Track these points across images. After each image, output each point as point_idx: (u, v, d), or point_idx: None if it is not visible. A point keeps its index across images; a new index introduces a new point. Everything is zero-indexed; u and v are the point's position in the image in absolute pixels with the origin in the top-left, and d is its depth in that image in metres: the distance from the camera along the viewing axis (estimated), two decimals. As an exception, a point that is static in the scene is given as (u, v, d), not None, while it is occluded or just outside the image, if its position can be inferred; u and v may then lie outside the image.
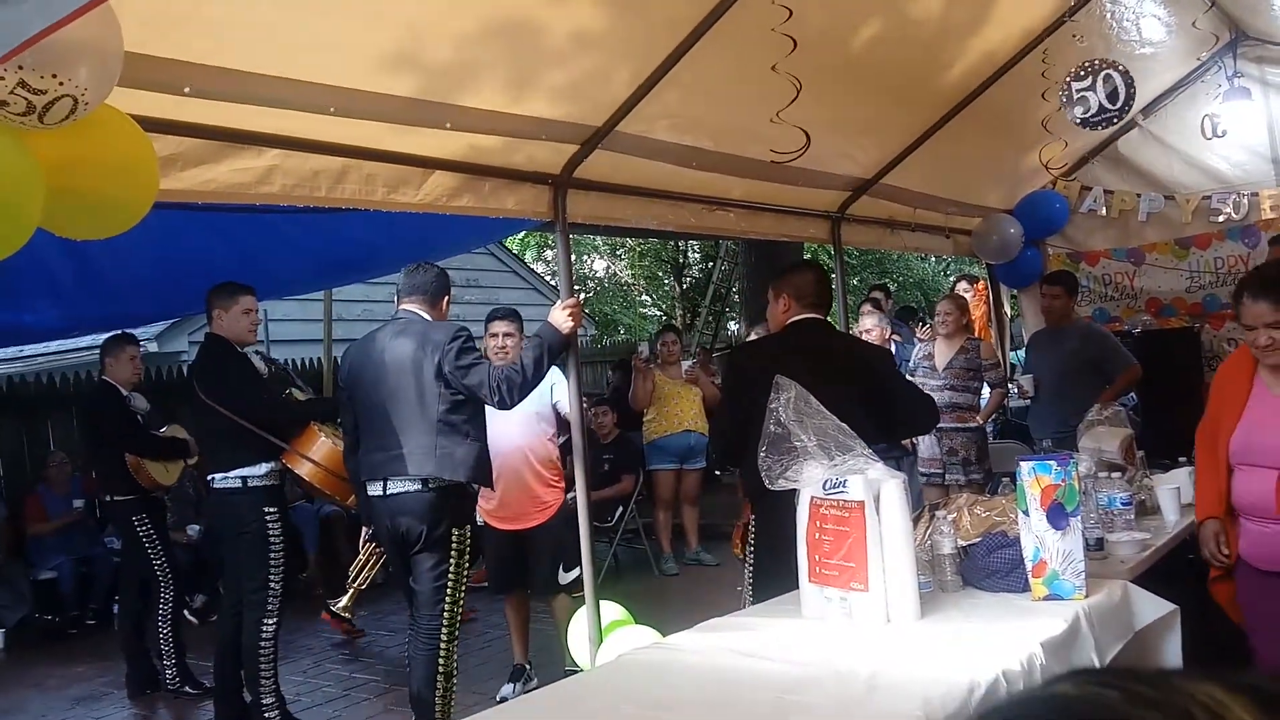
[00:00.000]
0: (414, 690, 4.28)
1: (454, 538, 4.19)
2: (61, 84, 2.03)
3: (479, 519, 5.44)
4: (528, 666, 5.45)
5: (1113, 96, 4.74)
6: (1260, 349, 3.06)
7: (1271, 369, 3.14)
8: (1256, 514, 3.18)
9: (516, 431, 5.18)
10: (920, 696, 2.17)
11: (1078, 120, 4.84)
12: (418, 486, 4.12)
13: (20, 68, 1.96)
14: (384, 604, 7.27)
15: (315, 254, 5.82)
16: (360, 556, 4.75)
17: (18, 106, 2.02)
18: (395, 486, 4.15)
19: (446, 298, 4.46)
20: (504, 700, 4.94)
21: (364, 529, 4.63)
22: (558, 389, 5.18)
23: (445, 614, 4.20)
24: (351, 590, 4.75)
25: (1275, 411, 3.12)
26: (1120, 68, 4.76)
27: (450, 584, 4.20)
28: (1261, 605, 3.23)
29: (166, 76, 2.69)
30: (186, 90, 2.76)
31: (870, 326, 6.74)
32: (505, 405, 4.16)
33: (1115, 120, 4.90)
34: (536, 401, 5.01)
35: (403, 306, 4.37)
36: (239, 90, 2.90)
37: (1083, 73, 4.75)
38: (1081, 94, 4.76)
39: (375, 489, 4.21)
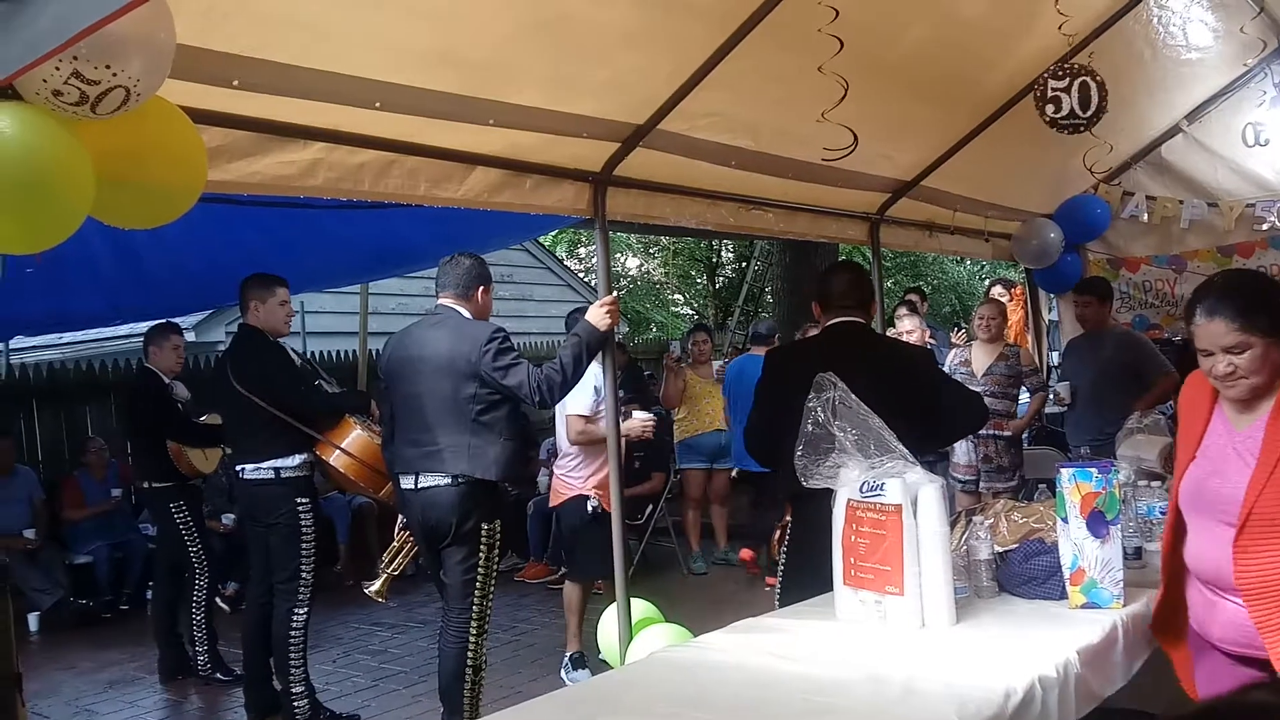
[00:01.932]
0: (443, 683, 4.30)
1: (483, 532, 4.20)
2: (115, 75, 2.05)
3: (596, 505, 5.52)
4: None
5: (1084, 104, 4.69)
6: (1220, 379, 2.48)
7: (1235, 401, 2.54)
8: (1213, 583, 2.56)
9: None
10: (955, 702, 2.15)
11: (1047, 119, 4.78)
12: (448, 481, 4.14)
13: (75, 58, 1.99)
14: (414, 596, 7.32)
15: (353, 248, 5.87)
16: (394, 543, 4.79)
17: (71, 96, 2.05)
18: (426, 480, 4.17)
19: (481, 287, 4.40)
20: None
21: (399, 516, 4.66)
22: None
23: (475, 607, 4.22)
24: (384, 575, 4.78)
25: (1237, 452, 2.50)
26: (1098, 78, 4.70)
27: (480, 578, 4.21)
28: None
29: (216, 69, 2.72)
30: (235, 83, 2.79)
31: (913, 328, 6.72)
32: (546, 405, 4.18)
33: (1083, 128, 4.80)
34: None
35: (440, 301, 4.39)
36: (286, 84, 2.92)
37: (1061, 73, 4.72)
38: (1056, 93, 4.72)
39: (407, 482, 4.23)
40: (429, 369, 4.18)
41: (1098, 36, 4.91)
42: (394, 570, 4.81)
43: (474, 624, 4.22)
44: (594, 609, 5.50)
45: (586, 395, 5.41)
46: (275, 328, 4.98)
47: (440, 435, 4.13)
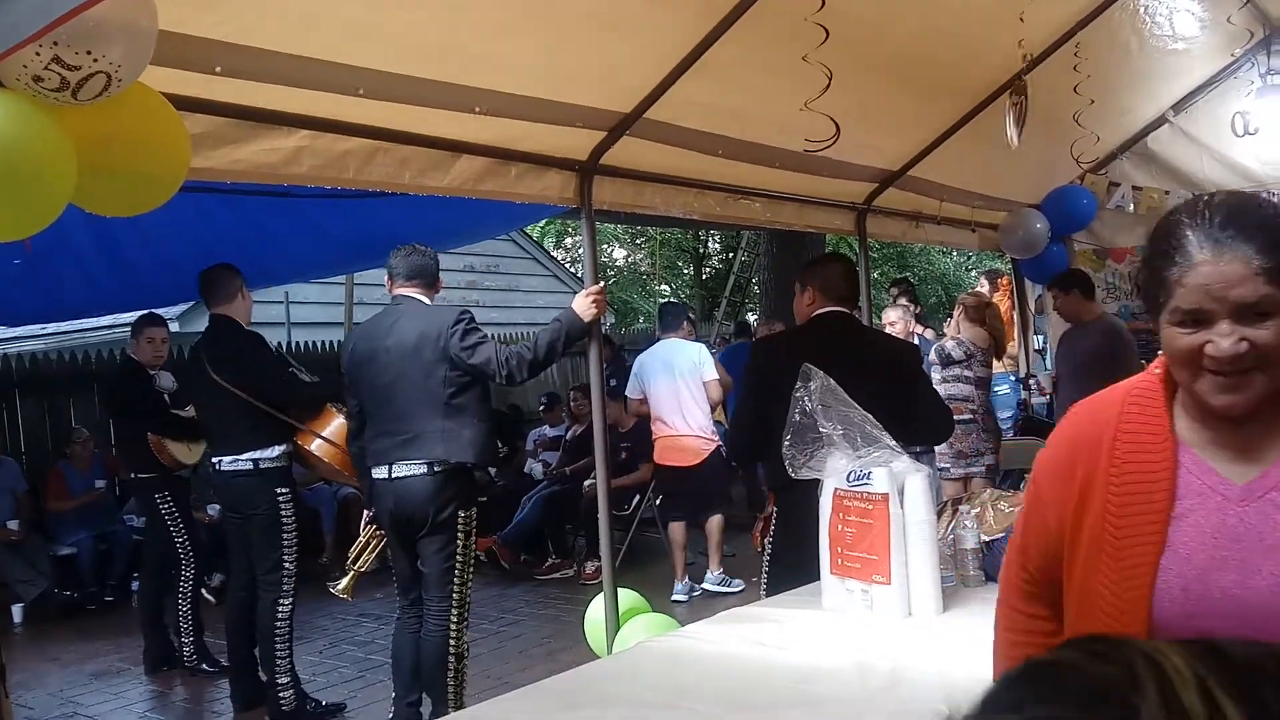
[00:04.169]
0: (426, 671, 4.27)
1: (460, 520, 4.19)
2: (95, 61, 2.03)
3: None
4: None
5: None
6: (1220, 363, 1.36)
7: (1216, 427, 1.47)
8: None
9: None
10: (942, 690, 2.16)
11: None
12: (424, 470, 4.12)
13: (55, 44, 1.97)
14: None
15: (338, 237, 5.85)
16: (361, 538, 4.77)
17: (52, 82, 2.03)
18: (401, 470, 4.16)
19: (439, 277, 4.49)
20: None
21: (365, 511, 4.64)
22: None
23: (455, 595, 4.21)
24: (352, 572, 4.76)
25: (1256, 519, 1.41)
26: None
27: (459, 565, 4.21)
28: None
29: (198, 55, 2.69)
30: (218, 69, 2.76)
31: (894, 319, 6.73)
32: (514, 381, 4.17)
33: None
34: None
35: (401, 291, 4.34)
36: (269, 70, 2.89)
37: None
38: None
39: (381, 472, 4.21)
40: (397, 357, 4.17)
41: (1083, 28, 4.91)
42: (361, 567, 4.79)
43: (454, 611, 4.21)
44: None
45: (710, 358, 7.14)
46: (248, 317, 4.97)
47: (414, 422, 4.12)
